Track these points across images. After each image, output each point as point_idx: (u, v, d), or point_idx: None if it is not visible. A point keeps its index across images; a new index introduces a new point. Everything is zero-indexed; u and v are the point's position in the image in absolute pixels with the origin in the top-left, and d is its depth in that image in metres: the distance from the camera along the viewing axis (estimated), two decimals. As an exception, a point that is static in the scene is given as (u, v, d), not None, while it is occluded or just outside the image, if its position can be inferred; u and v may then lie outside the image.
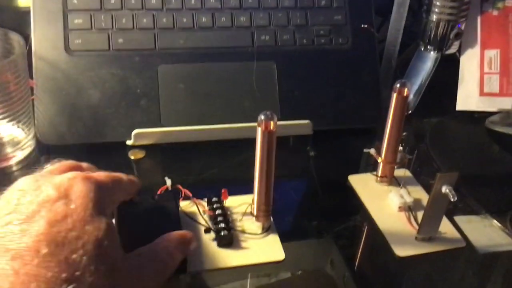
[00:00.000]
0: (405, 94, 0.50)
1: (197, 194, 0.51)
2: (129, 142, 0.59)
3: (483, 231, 0.52)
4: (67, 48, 0.60)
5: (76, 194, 0.35)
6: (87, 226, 0.33)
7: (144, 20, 0.62)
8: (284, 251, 0.47)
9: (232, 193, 0.51)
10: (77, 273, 0.31)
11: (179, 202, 0.49)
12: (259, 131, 0.42)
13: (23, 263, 0.29)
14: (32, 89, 0.59)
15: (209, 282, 0.45)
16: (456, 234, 0.50)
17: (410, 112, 0.70)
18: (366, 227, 0.52)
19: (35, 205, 0.33)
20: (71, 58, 0.60)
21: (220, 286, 0.45)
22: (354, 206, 0.54)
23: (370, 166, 0.59)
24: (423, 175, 0.59)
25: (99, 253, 0.33)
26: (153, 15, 0.62)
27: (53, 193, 0.34)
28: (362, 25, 0.67)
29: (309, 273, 0.48)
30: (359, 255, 0.50)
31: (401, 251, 0.48)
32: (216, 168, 0.59)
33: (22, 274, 0.29)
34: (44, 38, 0.60)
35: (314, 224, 0.53)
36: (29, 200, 0.34)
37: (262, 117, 0.41)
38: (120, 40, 0.61)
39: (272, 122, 0.41)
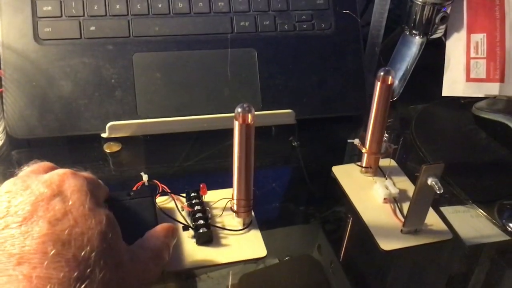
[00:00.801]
0: (389, 83, 0.48)
1: (176, 188, 0.49)
2: (104, 135, 0.57)
3: (470, 222, 0.50)
4: (36, 36, 0.57)
5: (70, 189, 0.34)
6: (88, 220, 0.32)
7: (117, 6, 0.59)
8: (267, 241, 0.45)
9: (213, 186, 0.50)
10: (88, 270, 0.30)
11: (155, 199, 0.47)
12: (236, 125, 0.39)
13: (31, 267, 0.28)
14: (0, 80, 0.56)
15: (197, 270, 0.43)
16: (443, 226, 0.49)
17: (395, 98, 0.69)
18: (350, 220, 0.50)
19: (29, 205, 0.32)
20: (41, 47, 0.57)
21: (208, 273, 0.43)
22: (338, 198, 0.53)
23: (355, 156, 0.58)
24: (409, 164, 0.58)
25: (105, 247, 0.32)
26: (127, 1, 0.59)
27: (46, 191, 0.33)
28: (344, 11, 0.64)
29: (295, 260, 0.46)
30: (343, 249, 0.48)
31: (386, 245, 0.46)
32: (196, 160, 0.58)
33: (35, 278, 0.28)
34: (11, 27, 0.57)
35: (296, 217, 0.51)
36: (21, 201, 0.32)
37: (239, 109, 0.39)
38: (92, 28, 0.58)
39: (249, 115, 0.39)
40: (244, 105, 0.39)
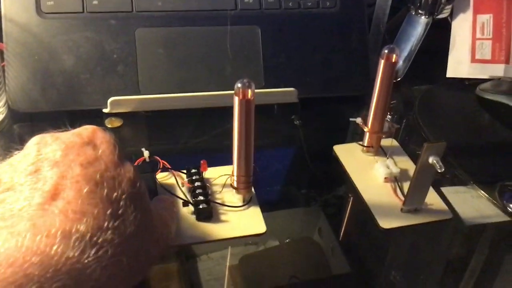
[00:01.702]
0: (393, 61, 0.48)
1: (177, 164, 0.49)
2: (105, 110, 0.57)
3: (470, 203, 0.50)
4: (38, 10, 0.57)
5: (99, 140, 0.35)
6: (118, 168, 0.33)
7: (120, -19, 0.58)
8: (268, 221, 0.45)
9: (214, 163, 0.49)
10: (121, 210, 0.31)
11: (156, 175, 0.47)
12: (236, 100, 0.39)
13: (66, 201, 0.29)
14: (2, 53, 0.56)
15: (197, 250, 0.44)
16: (443, 206, 0.49)
17: (399, 79, 0.68)
18: (351, 199, 0.50)
19: (60, 151, 0.32)
20: (43, 21, 0.56)
21: (208, 254, 0.44)
22: (339, 177, 0.53)
23: (357, 135, 0.57)
24: (410, 145, 0.57)
25: (135, 193, 0.33)
26: (130, -25, 0.59)
27: (77, 139, 0.34)
28: None
29: (295, 242, 0.47)
30: (343, 227, 0.48)
31: (385, 223, 0.46)
32: (197, 137, 0.58)
33: (71, 212, 0.29)
34: (14, 0, 0.56)
35: (297, 195, 0.52)
36: (52, 148, 0.33)
37: (239, 85, 0.38)
38: (95, 2, 0.58)
39: (249, 90, 0.39)
40: (244, 80, 0.38)
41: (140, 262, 0.33)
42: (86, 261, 0.27)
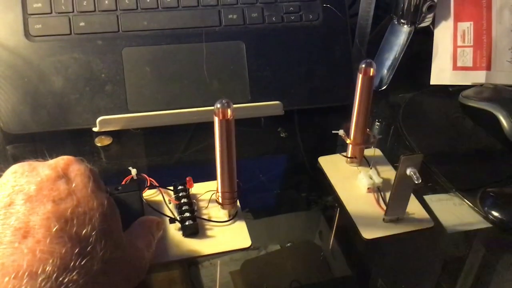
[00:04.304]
0: (371, 74, 0.49)
1: (165, 180, 0.50)
2: (95, 129, 0.58)
3: (452, 210, 0.51)
4: (27, 33, 0.58)
5: (74, 173, 0.35)
6: (90, 202, 0.34)
7: (106, 2, 0.60)
8: (253, 231, 0.47)
9: (202, 178, 0.51)
10: (89, 247, 0.32)
11: (143, 193, 0.48)
12: (216, 120, 0.40)
13: (35, 240, 0.30)
14: (-8, 77, 0.57)
15: (199, 257, 0.45)
16: (425, 214, 0.50)
17: (383, 88, 0.69)
18: (334, 210, 0.52)
19: (35, 185, 0.33)
20: (32, 43, 0.58)
21: (210, 260, 0.45)
22: (324, 188, 0.54)
23: (341, 146, 0.59)
24: (394, 153, 0.58)
25: (106, 228, 0.34)
26: (115, -4, 0.60)
27: (51, 173, 0.34)
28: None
29: (285, 249, 0.48)
30: (326, 238, 0.49)
31: (368, 234, 0.47)
32: (186, 152, 0.59)
33: (39, 252, 0.29)
34: (2, 24, 0.58)
35: (282, 207, 0.53)
36: (27, 181, 0.34)
37: (218, 105, 0.40)
38: (82, 24, 0.59)
39: (229, 110, 0.40)
40: (223, 100, 0.40)
41: None
42: None
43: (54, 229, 0.31)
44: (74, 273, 0.30)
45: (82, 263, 0.31)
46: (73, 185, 0.34)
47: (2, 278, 0.28)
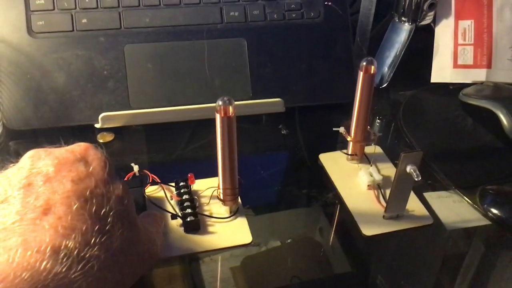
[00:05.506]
0: (372, 72, 0.49)
1: (167, 176, 0.51)
2: (97, 125, 0.59)
3: (452, 207, 0.52)
4: (29, 30, 0.58)
5: (91, 157, 0.36)
6: (107, 185, 0.35)
7: (108, -1, 0.60)
8: (254, 227, 0.47)
9: (204, 174, 0.51)
10: (108, 226, 0.32)
11: (145, 189, 0.49)
12: (217, 118, 0.41)
13: (57, 217, 0.30)
14: (-5, 73, 0.58)
15: (200, 253, 0.45)
16: (424, 211, 0.50)
17: (384, 85, 0.70)
18: (334, 206, 0.52)
19: (53, 167, 0.33)
20: (34, 40, 0.58)
21: (210, 256, 0.45)
22: (324, 185, 0.54)
23: (342, 143, 0.59)
24: (395, 151, 0.59)
25: (122, 210, 0.34)
26: (117, -7, 0.60)
27: (70, 156, 0.35)
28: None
29: (284, 246, 0.48)
30: (327, 235, 0.50)
31: (368, 230, 0.48)
32: (188, 148, 0.59)
33: (61, 228, 0.30)
34: (5, 21, 0.58)
35: (283, 204, 0.53)
36: (45, 163, 0.34)
37: (220, 102, 0.40)
38: (84, 20, 0.59)
39: (230, 107, 0.40)
40: (225, 98, 0.40)
41: (124, 277, 0.34)
42: (72, 276, 0.29)
43: (75, 207, 0.31)
44: (95, 249, 0.31)
45: (103, 239, 0.31)
46: (91, 168, 0.35)
47: (25, 252, 0.28)
